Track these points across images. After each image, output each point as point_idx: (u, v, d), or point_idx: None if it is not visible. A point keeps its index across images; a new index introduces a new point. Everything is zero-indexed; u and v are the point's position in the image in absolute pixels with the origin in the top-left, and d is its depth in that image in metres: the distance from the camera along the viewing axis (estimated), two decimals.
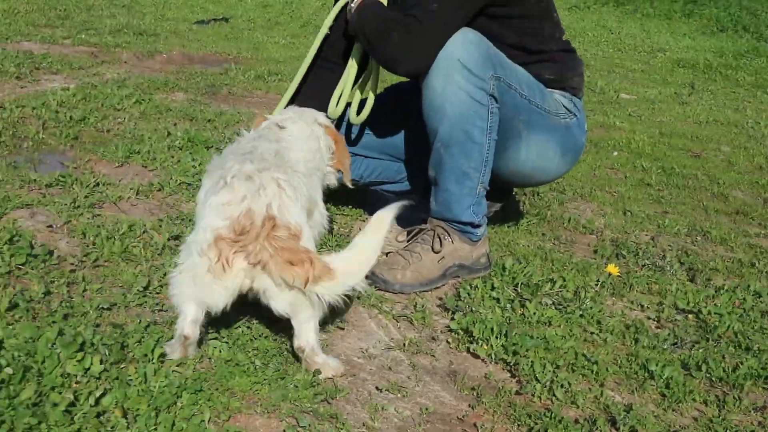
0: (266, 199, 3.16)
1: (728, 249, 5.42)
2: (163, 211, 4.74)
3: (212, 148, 6.00)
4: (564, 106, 4.53)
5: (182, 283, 3.19)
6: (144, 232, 4.34)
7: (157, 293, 3.76)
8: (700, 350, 3.86)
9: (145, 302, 3.66)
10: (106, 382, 2.96)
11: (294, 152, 3.64)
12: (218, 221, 3.12)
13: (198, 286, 3.14)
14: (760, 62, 14.00)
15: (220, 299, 3.15)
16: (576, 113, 4.59)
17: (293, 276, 3.08)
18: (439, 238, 4.32)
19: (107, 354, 3.09)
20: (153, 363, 3.11)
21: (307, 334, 3.29)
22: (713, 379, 3.63)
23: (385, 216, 3.34)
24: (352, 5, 4.26)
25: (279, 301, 3.19)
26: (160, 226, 4.45)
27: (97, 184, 4.96)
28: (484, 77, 4.07)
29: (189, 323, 3.21)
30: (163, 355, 3.19)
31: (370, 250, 3.29)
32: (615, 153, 7.70)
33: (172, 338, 3.29)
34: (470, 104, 4.07)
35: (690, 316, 4.23)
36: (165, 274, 3.93)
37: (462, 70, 4.02)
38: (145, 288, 3.76)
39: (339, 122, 4.66)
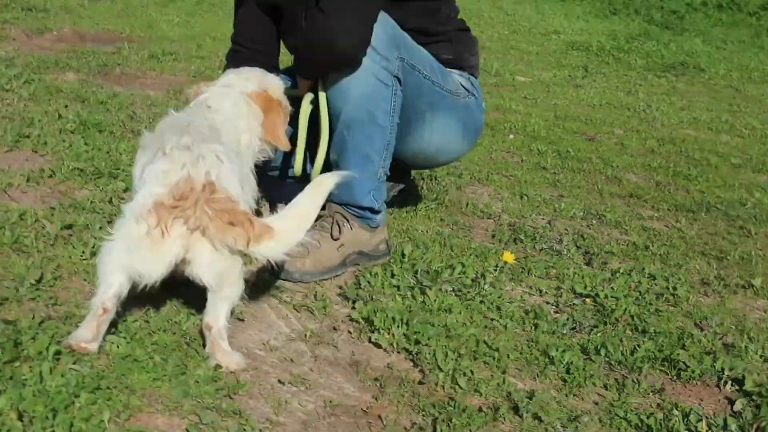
0: (205, 167, 3.13)
1: (623, 232, 5.50)
2: (55, 198, 4.58)
3: (105, 132, 5.85)
4: (462, 86, 4.54)
5: (114, 251, 3.10)
6: (36, 221, 4.19)
7: (51, 286, 3.64)
8: (599, 334, 3.90)
9: (39, 296, 3.52)
10: (0, 383, 2.86)
11: (224, 133, 3.57)
12: (158, 188, 3.08)
13: (133, 254, 3.06)
14: (651, 45, 14.29)
15: (155, 268, 3.07)
16: (474, 93, 4.62)
17: (234, 237, 3.05)
18: (338, 224, 4.29)
19: (0, 353, 2.98)
20: (48, 361, 2.98)
21: (219, 311, 3.25)
22: (612, 362, 3.68)
23: (326, 180, 3.37)
24: None
25: (209, 271, 3.14)
26: (53, 214, 4.30)
27: None
28: (390, 58, 4.04)
29: (111, 296, 3.12)
30: (59, 352, 3.07)
31: (309, 208, 3.31)
32: (511, 136, 7.76)
33: (68, 333, 3.19)
34: (375, 85, 4.02)
35: (588, 300, 4.27)
36: (58, 266, 3.81)
37: (368, 50, 3.97)
38: (38, 281, 3.62)
39: None
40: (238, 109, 3.82)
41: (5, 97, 6.42)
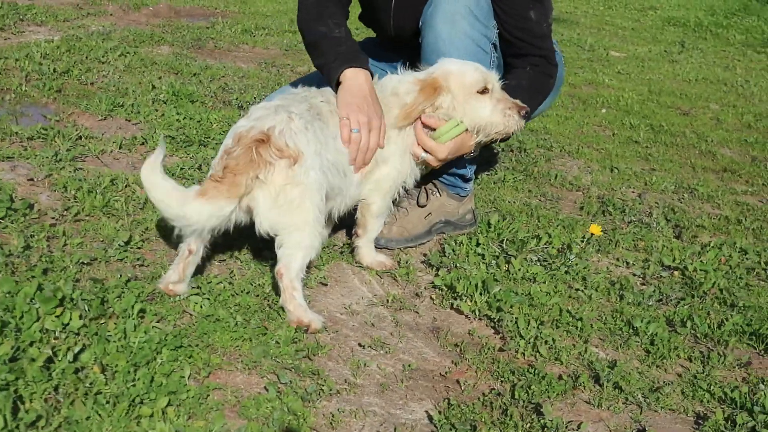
0: (271, 123, 3.28)
1: (715, 206, 5.40)
2: None
3: (197, 102, 5.94)
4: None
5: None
6: (126, 186, 4.29)
7: (139, 248, 3.72)
8: (686, 307, 3.84)
9: (126, 257, 3.61)
10: (84, 338, 2.92)
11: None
12: (228, 140, 3.31)
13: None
14: (751, 21, 13.94)
15: (215, 211, 3.17)
16: (557, 49, 4.57)
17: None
18: (426, 192, 4.28)
19: (87, 309, 3.05)
20: (133, 318, 3.07)
21: (288, 259, 3.31)
22: (698, 335, 3.62)
23: None
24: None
25: (264, 216, 3.27)
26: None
27: (80, 138, 4.91)
28: (489, 26, 4.02)
29: (194, 238, 3.35)
30: (143, 311, 3.15)
31: None
32: (603, 110, 7.65)
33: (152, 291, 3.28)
34: (475, 51, 3.98)
35: (676, 272, 4.21)
36: (147, 229, 3.89)
37: (469, 16, 3.94)
38: (127, 243, 3.71)
39: None
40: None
41: (101, 69, 6.54)
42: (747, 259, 4.46)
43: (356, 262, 3.95)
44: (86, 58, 6.76)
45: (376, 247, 4.04)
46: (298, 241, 3.30)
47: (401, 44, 4.34)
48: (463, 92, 3.73)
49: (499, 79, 3.87)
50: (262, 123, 3.29)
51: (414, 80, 3.78)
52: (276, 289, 3.42)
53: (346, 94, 3.66)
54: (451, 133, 3.74)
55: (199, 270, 3.51)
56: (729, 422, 2.98)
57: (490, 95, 3.76)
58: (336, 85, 3.74)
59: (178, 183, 3.19)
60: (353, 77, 3.70)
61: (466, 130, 3.78)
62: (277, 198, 3.24)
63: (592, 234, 4.43)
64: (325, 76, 3.81)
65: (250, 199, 3.26)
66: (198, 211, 3.14)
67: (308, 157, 3.28)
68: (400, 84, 3.81)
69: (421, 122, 3.75)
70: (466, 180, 4.32)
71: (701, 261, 4.31)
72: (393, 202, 3.95)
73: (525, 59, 4.10)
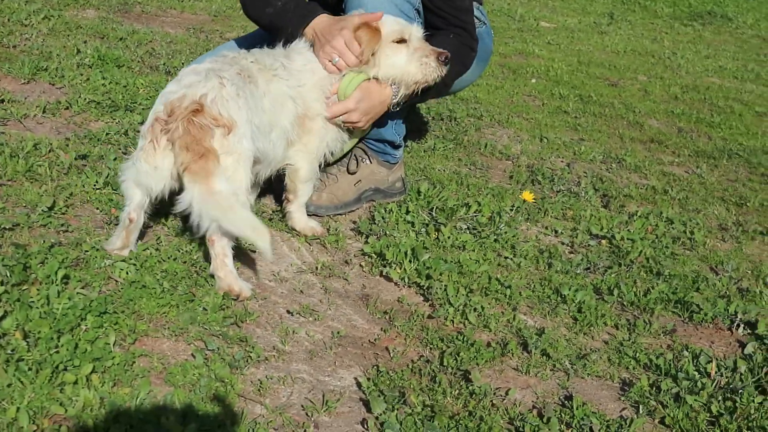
0: (203, 90, 3.21)
1: (642, 176, 5.45)
2: (70, 129, 4.58)
3: (123, 67, 5.83)
4: (476, 17, 4.46)
5: (127, 168, 3.27)
6: (50, 151, 4.19)
7: (63, 214, 3.63)
8: (613, 275, 3.88)
9: (50, 222, 3.52)
10: (6, 304, 2.85)
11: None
12: (159, 106, 3.23)
13: (137, 168, 3.21)
14: None
15: (154, 180, 3.19)
16: (485, 21, 4.58)
17: (181, 160, 3.10)
18: (356, 159, 4.25)
19: (8, 275, 2.98)
20: (56, 284, 2.99)
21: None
22: (624, 303, 3.66)
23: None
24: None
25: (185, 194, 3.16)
26: (67, 145, 4.30)
27: (2, 101, 4.78)
28: None
29: (135, 207, 3.29)
30: (67, 277, 3.08)
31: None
32: (533, 80, 7.69)
33: (76, 258, 3.21)
34: (398, 15, 3.93)
35: (603, 241, 4.24)
36: (71, 195, 3.81)
37: None
38: (50, 208, 3.62)
39: None
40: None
41: (24, 32, 6.38)
42: (673, 228, 4.52)
43: (288, 228, 3.92)
44: (8, 20, 6.58)
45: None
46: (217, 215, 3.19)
47: (326, 7, 4.28)
48: (380, 46, 3.72)
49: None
50: (193, 90, 3.22)
51: None
52: (206, 256, 3.37)
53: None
54: (351, 85, 3.73)
55: (141, 237, 3.47)
56: (654, 388, 3.01)
57: (407, 45, 3.74)
58: None
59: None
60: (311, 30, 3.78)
61: (370, 79, 3.77)
62: None
63: (525, 200, 4.45)
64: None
65: None
66: (140, 170, 3.22)
67: (241, 126, 3.24)
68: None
69: None
70: (395, 147, 4.30)
71: (628, 230, 4.35)
72: (320, 167, 3.92)
73: (446, 29, 4.07)
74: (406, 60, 3.73)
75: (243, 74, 3.44)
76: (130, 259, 3.31)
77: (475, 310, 3.37)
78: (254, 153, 3.34)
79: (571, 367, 3.10)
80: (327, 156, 3.89)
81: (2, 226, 3.38)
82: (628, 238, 4.24)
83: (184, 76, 3.34)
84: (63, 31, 6.61)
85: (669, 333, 3.48)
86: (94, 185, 3.92)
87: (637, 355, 3.24)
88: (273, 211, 4.07)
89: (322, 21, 3.78)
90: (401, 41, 3.72)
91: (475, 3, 4.48)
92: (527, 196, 4.45)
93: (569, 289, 3.62)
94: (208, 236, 3.24)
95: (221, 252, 3.24)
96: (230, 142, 3.19)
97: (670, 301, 3.71)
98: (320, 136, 3.78)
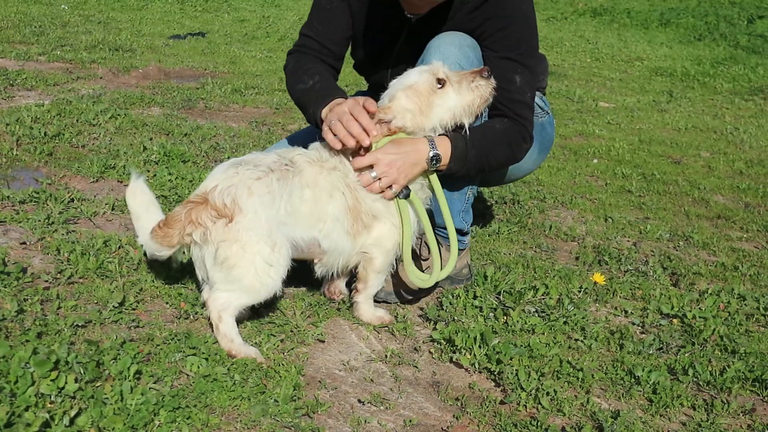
0: (214, 182, 3.45)
1: (711, 253, 5.38)
2: None
3: (188, 162, 5.93)
4: (538, 106, 4.49)
5: None
6: (119, 247, 4.26)
7: (133, 309, 3.69)
8: (687, 354, 3.81)
9: (121, 318, 3.57)
10: (81, 401, 2.88)
11: None
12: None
13: None
14: (738, 69, 14.04)
15: (160, 252, 3.54)
16: (548, 110, 4.58)
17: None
18: (428, 246, 4.24)
19: (82, 372, 3.01)
20: (129, 380, 3.02)
21: (218, 293, 3.48)
22: (700, 383, 3.58)
23: None
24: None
25: (209, 275, 3.49)
26: (136, 241, 4.34)
27: (72, 200, 4.89)
28: None
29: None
30: (139, 372, 3.11)
31: None
32: (595, 161, 7.67)
33: (149, 354, 3.25)
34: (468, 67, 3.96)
35: (675, 320, 4.18)
36: (141, 290, 3.86)
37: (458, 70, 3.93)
38: (121, 304, 3.68)
39: None
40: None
41: (92, 132, 6.55)
42: (746, 305, 4.44)
43: (354, 318, 3.92)
44: (77, 121, 6.76)
45: (374, 301, 4.01)
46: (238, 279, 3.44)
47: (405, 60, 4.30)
48: (423, 100, 3.71)
49: None
50: (206, 182, 3.46)
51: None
52: (276, 349, 3.39)
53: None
54: (382, 142, 3.69)
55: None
56: None
57: (449, 82, 3.72)
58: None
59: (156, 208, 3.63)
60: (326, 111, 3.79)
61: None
62: (216, 255, 3.40)
63: (596, 282, 4.41)
64: (314, 125, 3.91)
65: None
66: (147, 245, 3.52)
67: (248, 213, 3.36)
68: None
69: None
70: (463, 234, 4.30)
71: (700, 308, 4.29)
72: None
73: (501, 117, 4.02)
74: (456, 96, 3.71)
75: (279, 162, 3.55)
76: (202, 352, 3.33)
77: (547, 394, 3.33)
78: (279, 240, 3.46)
79: None
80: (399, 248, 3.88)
81: (75, 324, 3.44)
82: (700, 317, 4.17)
83: (217, 168, 3.57)
84: (129, 130, 6.77)
85: (748, 412, 3.40)
86: (163, 280, 3.97)
87: None
88: (340, 301, 4.07)
89: (337, 102, 3.80)
90: (441, 82, 3.71)
91: (538, 92, 4.49)
92: (598, 278, 4.42)
93: (642, 370, 3.56)
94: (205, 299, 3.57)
95: (216, 317, 3.47)
96: (231, 230, 3.36)
97: (747, 380, 3.63)
98: (392, 226, 3.79)
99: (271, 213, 3.42)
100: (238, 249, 3.35)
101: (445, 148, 3.76)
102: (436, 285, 4.15)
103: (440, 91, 3.70)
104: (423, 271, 4.08)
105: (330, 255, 3.72)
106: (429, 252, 4.22)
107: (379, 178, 3.69)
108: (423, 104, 3.70)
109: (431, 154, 3.73)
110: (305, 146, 3.81)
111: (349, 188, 3.65)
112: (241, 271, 3.37)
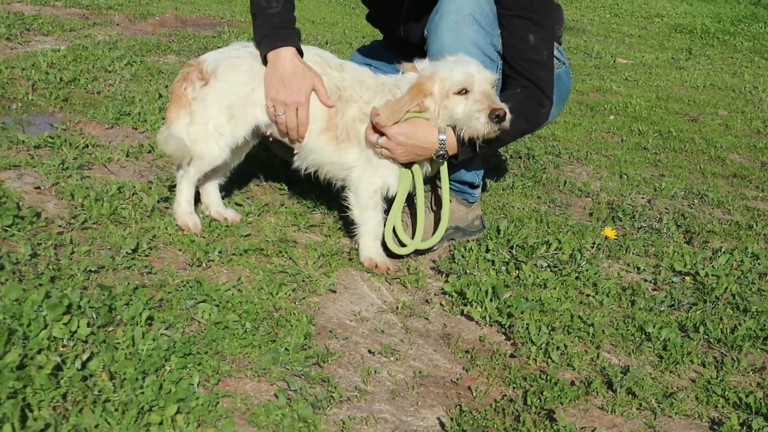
0: (213, 54, 4.00)
1: (725, 212, 5.36)
2: (152, 173, 4.66)
3: None
4: (555, 57, 4.45)
5: None
6: (133, 194, 4.27)
7: (146, 256, 3.70)
8: (698, 312, 3.81)
9: (134, 265, 3.58)
10: (92, 345, 2.89)
11: None
12: None
13: None
14: (758, 27, 13.91)
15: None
16: (564, 61, 4.52)
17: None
18: (436, 203, 4.24)
19: (94, 317, 3.03)
20: (141, 326, 3.04)
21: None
22: (711, 340, 3.58)
23: None
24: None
25: None
26: (150, 188, 4.37)
27: (87, 146, 4.89)
28: (494, 33, 3.97)
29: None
30: (151, 318, 3.12)
31: None
32: (612, 117, 7.63)
33: (161, 300, 3.27)
34: (481, 59, 3.93)
35: (687, 278, 4.18)
36: (154, 237, 3.87)
37: (473, 24, 3.89)
38: (134, 250, 3.69)
39: None
40: None
41: (108, 78, 6.54)
42: (759, 264, 4.42)
43: (367, 268, 3.93)
44: (93, 67, 6.75)
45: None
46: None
47: (408, 49, 4.30)
48: (441, 94, 3.72)
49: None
50: (209, 53, 4.00)
51: (408, 81, 3.82)
52: (288, 299, 3.39)
53: (268, 76, 3.88)
54: (407, 115, 3.75)
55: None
56: (744, 427, 2.94)
57: (467, 96, 3.71)
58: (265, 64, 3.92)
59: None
60: (274, 60, 3.86)
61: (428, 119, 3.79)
62: (191, 112, 3.87)
63: (607, 237, 4.40)
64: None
65: None
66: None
67: (221, 81, 3.84)
68: (396, 85, 3.89)
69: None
70: (473, 187, 4.29)
71: (713, 266, 4.28)
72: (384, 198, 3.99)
73: (516, 80, 4.01)
74: (463, 113, 3.70)
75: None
76: (213, 299, 3.34)
77: (557, 348, 3.33)
78: (240, 116, 3.91)
79: (658, 406, 3.04)
80: (384, 189, 3.93)
81: (88, 269, 3.45)
82: (712, 275, 4.16)
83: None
84: (145, 77, 6.76)
85: (758, 371, 3.40)
86: (177, 227, 3.98)
87: (726, 393, 3.17)
88: (350, 250, 4.08)
89: (289, 59, 3.88)
90: (463, 92, 3.70)
91: (555, 44, 4.45)
92: (609, 232, 4.41)
93: (654, 327, 3.56)
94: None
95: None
96: (202, 91, 3.86)
97: (758, 338, 3.63)
98: (366, 178, 3.94)
99: (244, 90, 3.87)
100: (201, 108, 3.85)
101: (451, 144, 3.85)
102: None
103: (456, 97, 3.72)
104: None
105: (304, 149, 3.98)
106: (432, 209, 4.22)
107: (383, 148, 3.79)
108: (441, 99, 3.75)
109: (439, 152, 3.85)
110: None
111: (339, 99, 3.91)
112: (197, 128, 3.86)
